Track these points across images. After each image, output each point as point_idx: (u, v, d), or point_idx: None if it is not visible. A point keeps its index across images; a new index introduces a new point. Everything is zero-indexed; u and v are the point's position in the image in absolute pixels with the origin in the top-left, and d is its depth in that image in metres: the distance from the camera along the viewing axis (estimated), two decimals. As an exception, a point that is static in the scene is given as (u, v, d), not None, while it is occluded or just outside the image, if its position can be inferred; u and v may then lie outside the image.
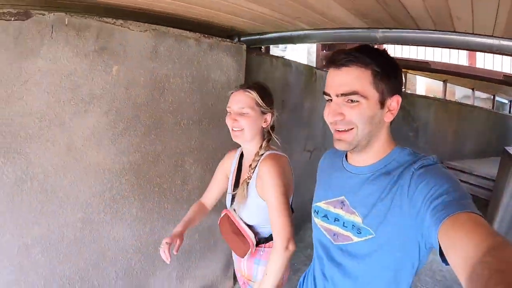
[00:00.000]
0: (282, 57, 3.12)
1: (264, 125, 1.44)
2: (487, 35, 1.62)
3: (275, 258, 1.30)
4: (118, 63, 1.72)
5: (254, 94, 1.40)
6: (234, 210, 1.51)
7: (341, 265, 0.96)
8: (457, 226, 0.66)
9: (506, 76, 4.73)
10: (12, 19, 1.47)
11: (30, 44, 1.51)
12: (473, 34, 1.65)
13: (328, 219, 1.01)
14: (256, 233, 1.47)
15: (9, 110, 1.49)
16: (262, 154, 1.42)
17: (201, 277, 2.37)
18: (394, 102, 0.88)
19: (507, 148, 3.90)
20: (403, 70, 8.54)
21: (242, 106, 1.38)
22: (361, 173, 0.95)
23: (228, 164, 1.62)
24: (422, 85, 10.38)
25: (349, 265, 0.94)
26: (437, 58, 5.68)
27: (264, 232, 1.49)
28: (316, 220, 1.06)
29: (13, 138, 1.52)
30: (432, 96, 8.75)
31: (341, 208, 0.97)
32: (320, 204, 1.05)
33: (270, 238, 1.49)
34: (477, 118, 7.99)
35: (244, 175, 1.50)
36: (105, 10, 1.75)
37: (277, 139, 1.48)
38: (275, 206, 1.32)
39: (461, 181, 5.21)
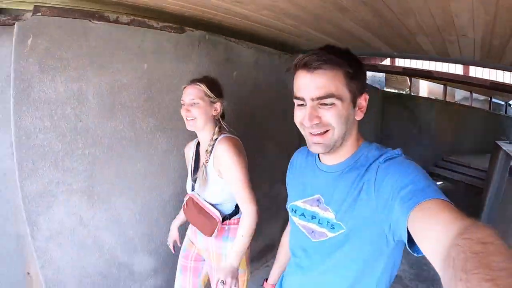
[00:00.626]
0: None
1: (214, 113, 1.58)
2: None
3: (249, 221, 1.47)
4: (236, 70, 2.52)
5: (203, 86, 1.54)
6: (198, 194, 1.64)
7: (317, 260, 0.99)
8: (426, 213, 0.67)
9: (492, 82, 5.72)
10: (172, 31, 2.04)
11: (185, 51, 2.16)
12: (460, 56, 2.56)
13: (305, 217, 1.03)
14: (219, 211, 1.58)
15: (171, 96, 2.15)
16: (216, 139, 1.55)
17: (267, 235, 3.07)
18: (363, 100, 0.92)
19: (497, 141, 4.71)
20: (411, 77, 9.37)
21: (192, 97, 1.53)
22: (333, 171, 0.97)
23: (189, 154, 1.77)
24: (424, 87, 11.19)
25: (323, 260, 0.96)
26: (439, 68, 6.63)
27: (226, 209, 1.62)
28: (294, 219, 1.07)
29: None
30: (433, 98, 9.58)
31: (317, 206, 0.99)
32: (297, 203, 1.06)
33: (233, 214, 1.63)
34: (475, 118, 8.81)
35: (202, 160, 1.62)
36: (230, 32, 2.54)
37: (226, 126, 1.63)
38: (238, 179, 1.47)
39: (460, 173, 6.15)
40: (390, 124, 7.23)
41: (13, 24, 1.52)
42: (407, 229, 0.71)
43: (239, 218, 1.61)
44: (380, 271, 0.91)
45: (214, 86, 1.58)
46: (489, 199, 4.08)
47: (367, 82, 0.97)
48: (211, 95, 1.55)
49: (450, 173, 7.08)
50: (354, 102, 0.89)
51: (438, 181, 6.78)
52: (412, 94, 10.18)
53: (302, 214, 1.03)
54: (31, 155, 1.55)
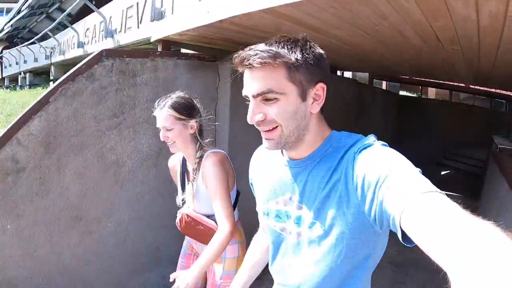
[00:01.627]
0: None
1: (191, 132, 1.59)
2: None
3: (222, 239, 1.46)
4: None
5: (171, 111, 1.54)
6: (192, 209, 1.69)
7: (300, 260, 0.92)
8: (420, 212, 0.61)
9: (486, 91, 7.45)
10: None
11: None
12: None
13: (280, 218, 0.96)
14: (214, 221, 1.60)
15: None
16: (200, 156, 1.60)
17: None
18: (319, 91, 0.84)
19: (493, 135, 6.04)
20: (424, 86, 10.74)
21: (164, 124, 1.54)
22: (300, 166, 0.90)
23: (175, 169, 1.80)
24: (433, 90, 12.52)
25: (307, 259, 0.90)
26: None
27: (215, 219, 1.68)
28: (269, 222, 1.00)
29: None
30: (441, 99, 10.92)
31: (290, 205, 0.93)
32: (269, 205, 0.99)
33: None
34: (478, 116, 10.10)
35: (190, 176, 1.67)
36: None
37: (201, 141, 1.62)
38: (217, 196, 1.52)
39: (463, 163, 7.70)
40: (405, 123, 8.59)
41: (214, 61, 2.54)
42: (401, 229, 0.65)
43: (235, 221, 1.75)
44: (369, 260, 0.86)
45: (182, 107, 1.58)
46: (485, 182, 5.38)
47: (326, 70, 0.86)
48: (182, 117, 1.56)
49: (456, 163, 8.46)
50: (304, 95, 0.82)
51: (446, 171, 8.17)
52: (423, 96, 11.56)
53: (277, 215, 0.97)
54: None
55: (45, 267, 2.01)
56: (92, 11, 11.52)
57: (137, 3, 4.04)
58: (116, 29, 4.75)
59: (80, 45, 6.28)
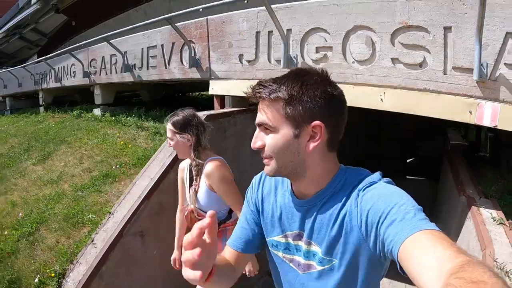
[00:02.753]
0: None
1: (188, 144, 1.95)
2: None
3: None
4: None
5: (170, 126, 1.95)
6: (197, 206, 2.03)
7: None
8: (417, 248, 0.66)
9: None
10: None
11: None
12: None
13: (290, 250, 0.99)
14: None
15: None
16: (197, 165, 1.97)
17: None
18: (316, 129, 0.84)
19: (447, 129, 7.25)
20: None
21: (167, 135, 1.99)
22: (309, 205, 0.93)
23: (182, 175, 2.17)
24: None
25: None
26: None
27: (221, 215, 2.04)
28: (278, 253, 1.03)
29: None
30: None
31: (299, 240, 0.96)
32: (277, 238, 1.01)
33: (227, 218, 2.09)
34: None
35: (194, 181, 2.03)
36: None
37: (200, 153, 2.00)
38: (229, 192, 1.89)
39: (424, 151, 9.06)
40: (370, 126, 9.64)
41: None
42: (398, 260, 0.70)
43: (234, 220, 2.06)
44: (376, 284, 0.94)
45: (179, 123, 1.95)
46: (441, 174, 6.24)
47: (331, 109, 0.85)
48: (179, 131, 1.93)
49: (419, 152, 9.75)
50: (297, 131, 0.84)
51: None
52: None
53: (286, 248, 0.99)
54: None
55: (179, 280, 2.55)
56: (74, 35, 11.95)
57: (162, 45, 4.82)
58: (135, 64, 5.47)
59: (86, 74, 6.86)
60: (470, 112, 2.33)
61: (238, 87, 3.53)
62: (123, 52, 5.54)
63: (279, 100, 0.84)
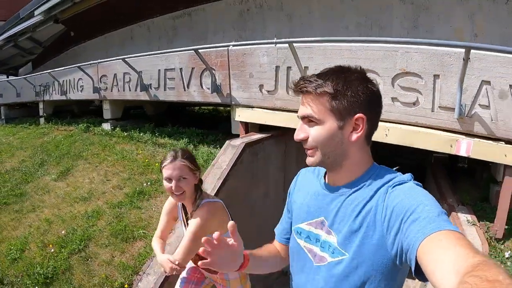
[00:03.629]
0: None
1: (196, 182, 1.91)
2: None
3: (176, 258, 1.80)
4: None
5: (187, 162, 1.86)
6: None
7: (317, 282, 1.02)
8: (436, 246, 0.72)
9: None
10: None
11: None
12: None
13: (310, 239, 1.06)
14: None
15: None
16: (198, 205, 1.91)
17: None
18: (358, 121, 0.94)
19: None
20: None
21: (181, 174, 1.83)
22: (338, 193, 1.01)
23: (175, 212, 2.13)
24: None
25: (325, 283, 1.00)
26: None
27: None
28: (300, 241, 1.10)
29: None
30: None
31: (321, 228, 1.03)
32: (302, 226, 1.09)
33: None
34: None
35: (186, 221, 2.00)
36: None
37: (204, 191, 1.98)
38: (187, 235, 1.82)
39: (407, 159, 9.90)
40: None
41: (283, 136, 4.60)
42: (416, 258, 0.75)
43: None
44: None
45: (193, 159, 1.91)
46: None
47: (372, 103, 0.95)
48: (194, 168, 1.88)
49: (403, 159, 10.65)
50: (342, 123, 0.94)
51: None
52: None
53: (308, 237, 1.07)
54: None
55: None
56: (72, 45, 12.44)
57: (180, 69, 5.49)
58: (151, 84, 6.11)
59: (96, 90, 7.43)
60: (451, 146, 3.11)
61: (260, 116, 4.27)
62: (138, 71, 6.16)
63: (325, 94, 0.93)
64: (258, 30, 6.79)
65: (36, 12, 10.54)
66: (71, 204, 4.83)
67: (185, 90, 5.43)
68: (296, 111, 3.19)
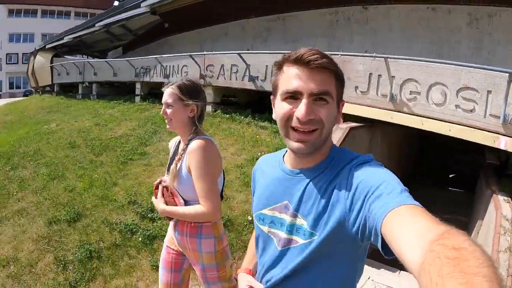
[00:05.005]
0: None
1: (190, 115, 1.93)
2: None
3: (195, 212, 1.85)
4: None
5: (174, 90, 1.90)
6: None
7: (287, 267, 1.08)
8: (400, 220, 0.78)
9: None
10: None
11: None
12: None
13: (275, 224, 1.13)
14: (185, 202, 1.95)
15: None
16: (190, 140, 1.90)
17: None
18: (342, 106, 1.10)
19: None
20: None
21: (167, 100, 1.92)
22: (301, 176, 1.08)
23: (171, 149, 2.19)
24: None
25: (295, 267, 1.06)
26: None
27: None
28: (263, 228, 1.18)
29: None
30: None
31: (286, 212, 1.10)
32: (265, 212, 1.17)
33: None
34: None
35: (177, 157, 2.00)
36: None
37: (199, 127, 1.97)
38: (202, 177, 1.82)
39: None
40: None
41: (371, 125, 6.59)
42: (381, 233, 0.80)
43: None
44: (352, 272, 1.06)
45: (188, 89, 1.94)
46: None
47: None
48: (184, 98, 1.90)
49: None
50: (338, 105, 1.07)
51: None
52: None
53: (272, 222, 1.14)
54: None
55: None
56: (165, 36, 15.01)
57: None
58: (258, 76, 8.27)
59: (201, 76, 9.73)
60: (494, 141, 4.94)
61: (355, 109, 6.24)
62: (248, 64, 8.33)
63: (334, 73, 1.02)
64: (345, 40, 8.79)
65: (142, 4, 13.07)
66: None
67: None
68: (383, 109, 5.46)
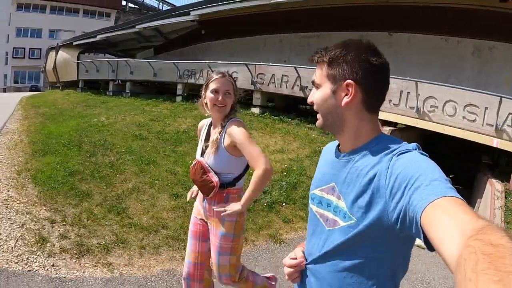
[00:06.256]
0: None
1: (235, 101, 2.40)
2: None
3: (260, 175, 2.15)
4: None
5: (233, 81, 2.39)
6: (205, 161, 2.39)
7: (330, 248, 1.18)
8: (440, 212, 0.81)
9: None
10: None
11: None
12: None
13: (322, 204, 1.26)
14: (220, 179, 2.33)
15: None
16: (227, 120, 2.36)
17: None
18: (350, 87, 1.14)
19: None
20: None
21: (227, 89, 2.34)
22: (345, 159, 1.20)
23: (201, 129, 2.62)
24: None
25: (336, 248, 1.16)
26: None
27: (227, 179, 2.38)
28: (312, 207, 1.32)
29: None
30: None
31: (332, 194, 1.21)
32: (315, 192, 1.31)
33: (232, 184, 2.41)
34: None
35: (213, 135, 2.40)
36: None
37: (237, 111, 2.47)
38: (248, 145, 2.22)
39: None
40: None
41: None
42: (420, 225, 0.85)
43: (238, 189, 2.46)
44: (391, 261, 1.12)
45: (235, 82, 2.43)
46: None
47: (367, 72, 1.14)
48: (237, 88, 2.41)
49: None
50: (335, 89, 1.16)
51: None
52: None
53: (320, 202, 1.27)
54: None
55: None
56: (200, 42, 17.61)
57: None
58: (307, 86, 11.03)
59: (252, 83, 12.33)
60: (490, 141, 7.92)
61: (389, 117, 9.15)
62: (299, 75, 11.10)
63: (323, 62, 1.20)
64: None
65: (192, 13, 15.52)
66: (270, 155, 9.34)
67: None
68: (410, 117, 8.85)
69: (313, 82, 1.24)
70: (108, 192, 5.97)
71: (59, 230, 4.62)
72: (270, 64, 12.12)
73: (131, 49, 23.09)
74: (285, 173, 7.71)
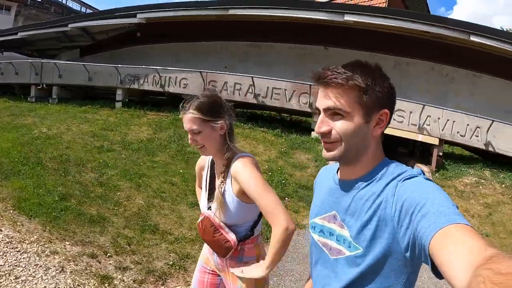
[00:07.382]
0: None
1: (221, 133, 1.87)
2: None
3: (281, 237, 1.68)
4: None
5: (195, 113, 1.79)
6: (214, 214, 1.97)
7: (336, 277, 1.19)
8: (449, 240, 0.82)
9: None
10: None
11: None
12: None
13: (324, 233, 1.25)
14: (235, 233, 1.91)
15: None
16: (229, 159, 1.88)
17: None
18: (383, 116, 1.13)
19: None
20: None
21: (192, 127, 1.81)
22: (349, 187, 1.19)
23: (202, 172, 2.16)
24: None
25: (341, 278, 1.17)
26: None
27: (242, 230, 1.98)
28: (314, 236, 1.31)
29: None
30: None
31: (334, 222, 1.21)
32: (316, 220, 1.30)
33: (248, 236, 2.00)
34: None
35: (218, 181, 1.97)
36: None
37: (231, 144, 1.91)
38: (262, 193, 1.75)
39: None
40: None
41: None
42: (429, 252, 0.86)
43: (254, 238, 2.04)
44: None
45: (208, 107, 1.82)
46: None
47: (392, 99, 1.16)
48: (209, 118, 1.80)
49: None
50: (368, 117, 1.11)
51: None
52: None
53: (321, 231, 1.27)
54: None
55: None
56: (134, 45, 18.47)
57: (285, 89, 12.46)
58: (259, 94, 12.85)
59: (204, 90, 13.97)
60: (416, 137, 11.05)
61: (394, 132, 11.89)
62: (251, 84, 12.90)
63: (355, 87, 1.09)
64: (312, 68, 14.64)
65: (139, 15, 16.00)
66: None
67: (287, 102, 12.60)
68: (412, 132, 11.54)
69: (329, 109, 1.13)
70: (123, 213, 5.79)
71: (110, 263, 4.21)
72: (220, 72, 13.73)
73: (49, 49, 21.82)
74: (270, 173, 8.57)
